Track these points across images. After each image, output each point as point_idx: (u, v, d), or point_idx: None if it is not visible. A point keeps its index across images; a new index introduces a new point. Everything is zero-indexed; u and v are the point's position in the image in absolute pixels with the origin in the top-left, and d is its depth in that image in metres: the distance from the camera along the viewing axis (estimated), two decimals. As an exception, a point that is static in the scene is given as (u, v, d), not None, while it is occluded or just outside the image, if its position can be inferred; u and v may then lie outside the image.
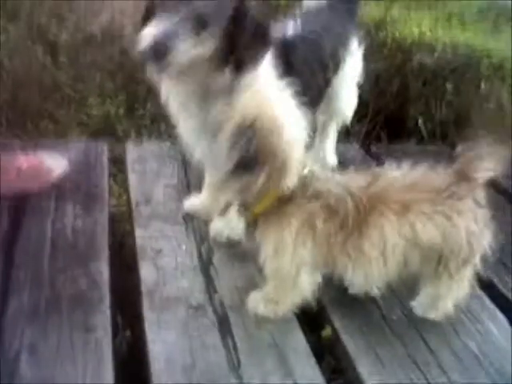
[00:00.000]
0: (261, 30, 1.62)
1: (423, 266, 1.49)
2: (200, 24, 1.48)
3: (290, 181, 1.36)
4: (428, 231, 1.43)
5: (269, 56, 1.69)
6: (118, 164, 2.29)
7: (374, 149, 2.54)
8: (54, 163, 2.03)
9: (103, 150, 2.22)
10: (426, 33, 3.73)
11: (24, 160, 1.98)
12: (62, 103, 3.15)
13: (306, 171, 1.38)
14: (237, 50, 1.56)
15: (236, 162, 1.30)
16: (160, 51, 1.42)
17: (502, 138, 1.67)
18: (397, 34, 3.79)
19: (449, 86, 3.43)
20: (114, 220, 1.96)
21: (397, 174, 1.49)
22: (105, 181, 2.07)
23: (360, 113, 3.14)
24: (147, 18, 1.56)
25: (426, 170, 1.52)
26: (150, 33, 1.45)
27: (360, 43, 2.13)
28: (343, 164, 2.36)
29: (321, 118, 2.17)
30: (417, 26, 3.88)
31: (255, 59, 1.62)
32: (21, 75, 3.06)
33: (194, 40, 1.47)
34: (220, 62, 1.57)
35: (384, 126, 3.34)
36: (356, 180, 1.46)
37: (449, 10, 4.33)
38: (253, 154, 1.29)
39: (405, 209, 1.42)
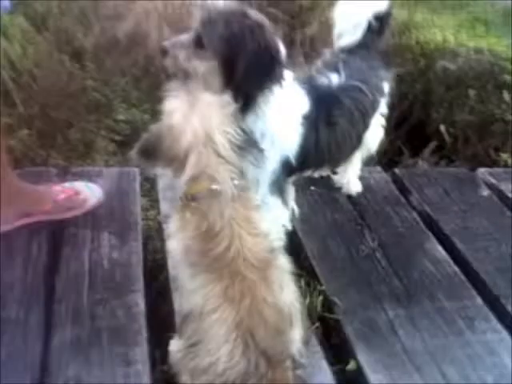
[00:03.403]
0: (267, 57, 1.67)
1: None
2: (199, 43, 1.66)
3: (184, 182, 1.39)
4: None
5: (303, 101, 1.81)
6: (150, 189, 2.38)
7: (397, 172, 2.58)
8: (89, 192, 2.11)
9: (135, 176, 2.30)
10: (450, 38, 3.74)
11: (60, 191, 2.05)
12: (89, 109, 3.26)
13: (214, 186, 1.37)
14: (236, 75, 1.64)
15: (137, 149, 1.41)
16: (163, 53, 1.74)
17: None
18: (421, 38, 3.82)
19: (472, 92, 3.45)
20: (147, 249, 2.05)
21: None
22: (138, 208, 2.15)
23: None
24: None
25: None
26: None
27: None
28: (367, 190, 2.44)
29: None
30: (440, 30, 3.89)
31: (259, 88, 1.70)
32: (49, 84, 3.16)
33: (191, 52, 1.67)
34: (220, 84, 1.65)
35: (406, 134, 3.40)
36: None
37: (473, 14, 4.30)
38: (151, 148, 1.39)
39: None
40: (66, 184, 2.13)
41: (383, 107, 2.20)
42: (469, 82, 3.52)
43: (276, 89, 1.71)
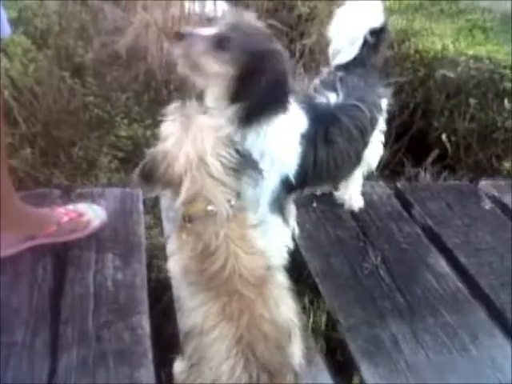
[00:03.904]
0: (282, 85, 1.69)
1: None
2: (221, 44, 1.62)
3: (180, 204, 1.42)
4: None
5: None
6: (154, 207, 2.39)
7: (399, 186, 2.59)
8: (93, 214, 2.12)
9: (138, 196, 2.31)
10: (449, 46, 3.76)
11: (63, 213, 2.06)
12: (91, 126, 3.27)
13: (210, 207, 1.40)
14: (249, 92, 1.65)
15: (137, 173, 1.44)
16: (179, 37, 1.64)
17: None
18: (420, 47, 3.83)
19: (472, 100, 3.46)
20: (152, 269, 2.05)
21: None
22: (141, 229, 2.16)
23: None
24: None
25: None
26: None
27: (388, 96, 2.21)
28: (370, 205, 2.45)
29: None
30: (439, 38, 3.91)
31: (267, 111, 1.71)
32: (50, 102, 3.17)
33: (210, 48, 1.62)
34: (230, 95, 1.67)
35: (408, 143, 3.41)
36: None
37: (471, 21, 4.31)
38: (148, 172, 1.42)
39: None
40: (70, 206, 2.13)
41: (382, 124, 2.21)
42: (469, 90, 3.54)
43: (281, 113, 1.73)
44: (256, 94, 1.65)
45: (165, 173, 1.41)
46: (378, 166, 2.47)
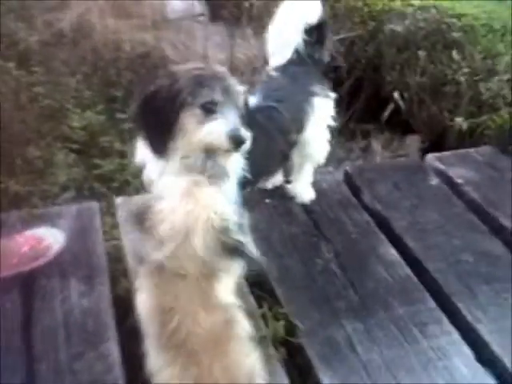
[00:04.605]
0: None
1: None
2: (243, 119, 1.76)
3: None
4: None
5: None
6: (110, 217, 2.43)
7: (348, 170, 2.65)
8: (52, 238, 2.16)
9: (95, 212, 2.35)
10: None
11: (23, 242, 2.10)
12: (42, 119, 3.25)
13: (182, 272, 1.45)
14: None
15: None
16: (241, 141, 1.71)
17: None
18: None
19: (421, 53, 3.48)
20: (115, 291, 2.12)
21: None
22: (101, 247, 2.21)
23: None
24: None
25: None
26: (220, 128, 1.71)
27: (327, 92, 2.22)
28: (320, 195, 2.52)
29: (296, 160, 2.31)
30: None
31: None
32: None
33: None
34: None
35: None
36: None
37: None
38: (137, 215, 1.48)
39: None
40: (28, 232, 2.17)
41: (321, 119, 2.24)
42: (418, 42, 3.55)
43: None
44: None
45: (151, 228, 1.44)
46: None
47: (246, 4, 3.84)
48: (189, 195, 1.46)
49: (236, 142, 1.69)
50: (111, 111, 3.33)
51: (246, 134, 1.71)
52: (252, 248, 1.99)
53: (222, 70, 1.82)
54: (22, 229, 2.22)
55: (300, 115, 2.14)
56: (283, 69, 2.18)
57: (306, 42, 2.19)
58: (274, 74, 2.17)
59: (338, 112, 2.33)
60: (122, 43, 3.52)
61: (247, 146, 1.72)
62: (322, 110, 2.21)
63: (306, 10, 2.16)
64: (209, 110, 1.70)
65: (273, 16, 2.23)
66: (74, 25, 3.67)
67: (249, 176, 1.95)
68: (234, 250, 1.48)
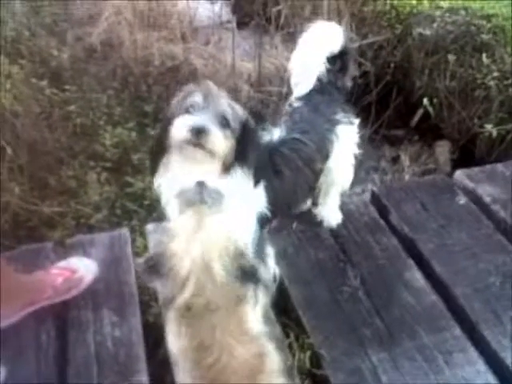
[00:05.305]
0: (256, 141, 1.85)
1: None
2: (224, 122, 1.72)
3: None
4: None
5: None
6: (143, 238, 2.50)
7: (375, 190, 2.64)
8: (84, 268, 2.23)
9: (126, 240, 2.41)
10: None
11: (57, 274, 2.18)
12: (74, 136, 3.32)
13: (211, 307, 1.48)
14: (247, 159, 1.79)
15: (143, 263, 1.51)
16: (201, 131, 1.67)
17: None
18: (395, 2, 3.74)
19: (451, 57, 3.43)
20: (147, 324, 2.18)
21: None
22: (132, 277, 2.27)
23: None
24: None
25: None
26: (186, 122, 1.69)
27: (350, 119, 2.22)
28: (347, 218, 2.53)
29: (323, 185, 2.32)
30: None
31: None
32: (33, 118, 3.21)
33: (221, 132, 1.70)
34: (229, 164, 1.78)
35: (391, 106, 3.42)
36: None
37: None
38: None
39: None
40: (62, 263, 2.25)
41: (345, 147, 2.24)
42: (447, 46, 3.51)
43: None
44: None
45: (170, 271, 1.48)
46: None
47: (274, 11, 3.82)
48: (199, 228, 1.48)
49: (196, 132, 1.66)
50: (142, 127, 3.38)
51: (210, 127, 1.67)
52: (266, 273, 2.06)
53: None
54: (56, 259, 2.30)
55: (325, 144, 2.14)
56: (306, 98, 2.18)
57: (328, 71, 2.18)
58: (296, 104, 2.17)
59: (366, 118, 2.33)
60: (151, 57, 3.55)
61: (213, 139, 1.68)
62: (346, 138, 2.21)
63: (328, 38, 2.15)
64: (190, 113, 1.72)
65: (301, 24, 2.21)
66: (104, 39, 3.72)
67: (269, 214, 1.97)
68: (252, 274, 1.51)
